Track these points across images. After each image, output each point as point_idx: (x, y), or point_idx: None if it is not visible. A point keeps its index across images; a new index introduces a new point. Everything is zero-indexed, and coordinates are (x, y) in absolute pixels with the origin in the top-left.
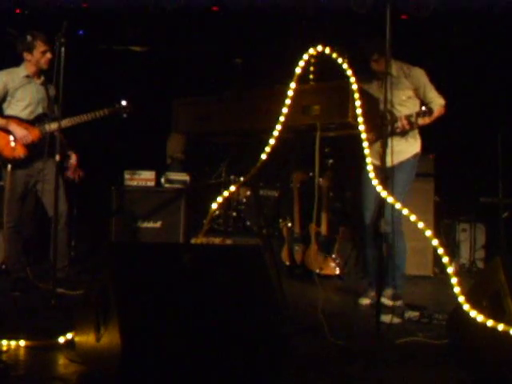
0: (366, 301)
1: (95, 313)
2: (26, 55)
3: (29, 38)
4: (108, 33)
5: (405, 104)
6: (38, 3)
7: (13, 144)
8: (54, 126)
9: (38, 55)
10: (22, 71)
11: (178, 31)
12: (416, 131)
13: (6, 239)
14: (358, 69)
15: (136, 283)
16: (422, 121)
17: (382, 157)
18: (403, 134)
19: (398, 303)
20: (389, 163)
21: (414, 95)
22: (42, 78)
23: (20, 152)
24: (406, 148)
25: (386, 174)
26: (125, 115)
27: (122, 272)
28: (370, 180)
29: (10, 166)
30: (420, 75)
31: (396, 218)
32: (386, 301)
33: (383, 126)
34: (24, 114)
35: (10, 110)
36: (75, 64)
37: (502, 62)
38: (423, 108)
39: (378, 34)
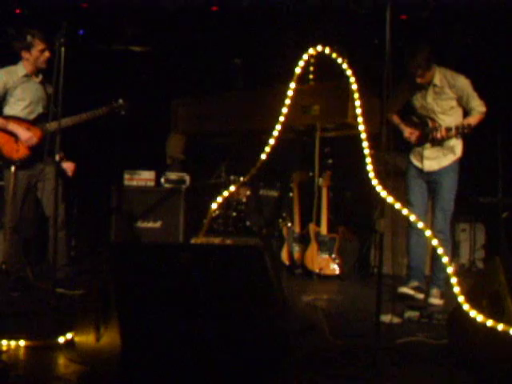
0: (405, 289)
1: (95, 313)
2: (24, 54)
3: (29, 38)
4: (108, 33)
5: (448, 113)
6: (38, 3)
7: (16, 145)
8: (54, 125)
9: (37, 54)
10: (20, 70)
11: (177, 31)
12: (456, 141)
13: (7, 239)
14: (403, 77)
15: (136, 283)
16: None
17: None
18: (441, 144)
19: (442, 302)
20: (428, 167)
21: (457, 104)
22: (40, 77)
23: (23, 153)
24: (448, 154)
25: (424, 176)
26: (123, 113)
27: (122, 272)
28: (414, 178)
29: (13, 168)
30: (465, 85)
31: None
32: (434, 300)
33: (427, 134)
34: (24, 114)
35: (9, 109)
36: (75, 64)
37: (501, 61)
38: (463, 123)
39: (421, 48)
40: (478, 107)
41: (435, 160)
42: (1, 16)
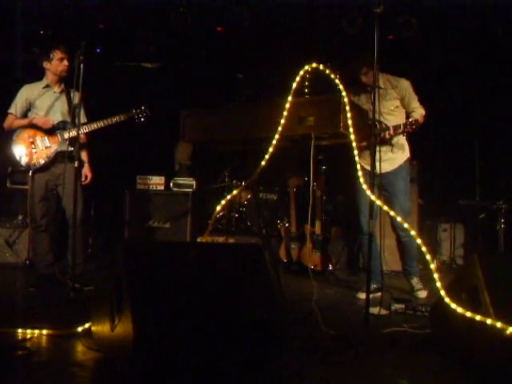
0: (363, 295)
1: (110, 304)
2: (46, 64)
3: (51, 53)
4: (123, 50)
5: (392, 113)
6: (59, 24)
7: (34, 151)
8: (72, 133)
9: (56, 63)
10: (42, 83)
11: (186, 49)
12: (403, 140)
13: (32, 239)
14: (348, 83)
15: (147, 278)
16: (407, 130)
17: (372, 163)
18: (391, 143)
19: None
20: (382, 169)
21: (400, 105)
22: (62, 87)
23: (40, 158)
24: (396, 156)
25: (377, 180)
26: (142, 119)
27: (135, 267)
28: (362, 185)
29: (31, 172)
30: (406, 86)
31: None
32: (419, 293)
33: (373, 135)
34: None
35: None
36: (93, 78)
37: (479, 77)
38: (410, 120)
39: (365, 50)
40: (419, 109)
41: (388, 161)
42: (27, 37)
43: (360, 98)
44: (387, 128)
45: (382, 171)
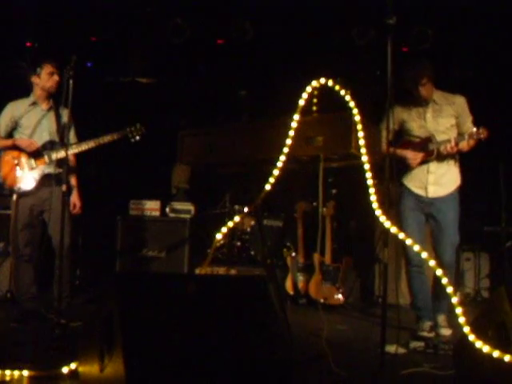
0: (423, 334)
1: (99, 343)
2: (34, 79)
3: (38, 64)
4: (115, 65)
5: (447, 132)
6: (47, 36)
7: (18, 173)
8: (60, 153)
9: (45, 77)
10: (28, 99)
11: (183, 64)
12: (457, 165)
13: (14, 269)
14: (401, 94)
15: (141, 313)
16: (465, 145)
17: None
18: (447, 166)
19: (451, 331)
20: (433, 193)
21: (455, 124)
22: (50, 103)
23: (25, 181)
24: (449, 180)
25: (425, 205)
26: (137, 138)
27: (127, 302)
28: (411, 210)
29: (15, 196)
30: (464, 103)
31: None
32: (444, 330)
33: (432, 150)
34: None
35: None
36: (84, 95)
37: (500, 93)
38: (474, 129)
39: (425, 60)
40: (474, 129)
41: (441, 186)
42: (12, 49)
43: (410, 113)
44: (447, 140)
45: (434, 195)
